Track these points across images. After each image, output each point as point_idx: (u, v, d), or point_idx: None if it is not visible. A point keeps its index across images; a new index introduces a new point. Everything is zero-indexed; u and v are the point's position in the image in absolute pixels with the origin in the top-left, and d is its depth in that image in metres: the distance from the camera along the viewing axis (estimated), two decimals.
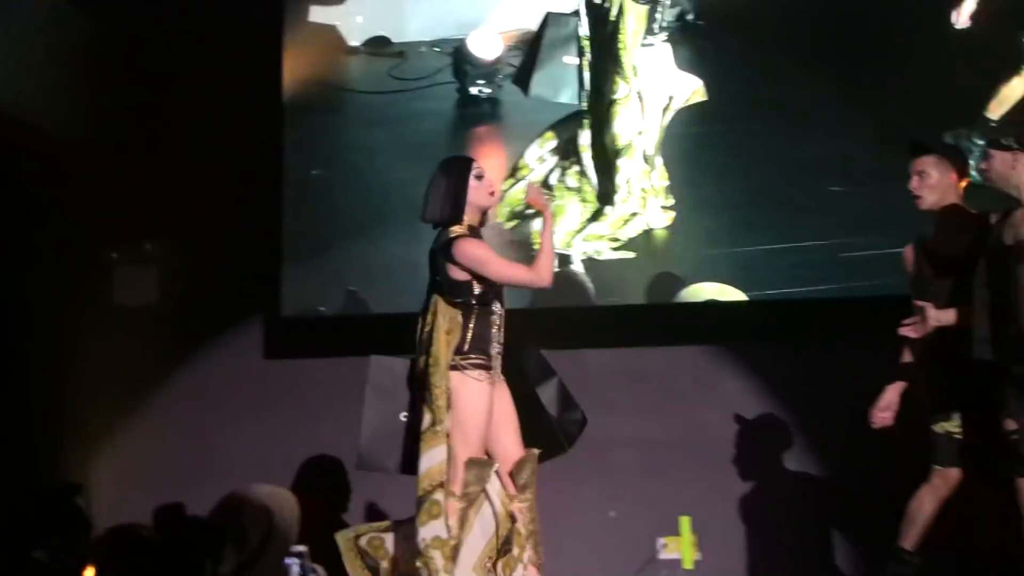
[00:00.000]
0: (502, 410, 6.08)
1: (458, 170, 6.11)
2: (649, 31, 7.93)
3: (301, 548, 6.61)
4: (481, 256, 5.94)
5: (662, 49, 7.97)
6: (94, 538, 5.94)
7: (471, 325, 5.95)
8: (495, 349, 6.02)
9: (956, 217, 6.14)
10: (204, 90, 8.25)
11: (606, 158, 7.96)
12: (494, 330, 6.01)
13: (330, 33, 8.37)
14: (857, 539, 7.56)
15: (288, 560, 5.78)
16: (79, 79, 8.04)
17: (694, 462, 7.80)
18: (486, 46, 8.22)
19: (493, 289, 6.00)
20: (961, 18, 7.69)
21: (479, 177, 6.09)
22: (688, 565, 7.58)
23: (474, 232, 6.06)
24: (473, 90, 8.23)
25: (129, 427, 8.18)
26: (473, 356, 5.95)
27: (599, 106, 7.96)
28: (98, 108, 8.18)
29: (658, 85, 7.94)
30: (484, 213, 6.13)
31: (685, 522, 7.57)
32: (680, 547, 7.58)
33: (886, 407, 6.31)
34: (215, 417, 8.16)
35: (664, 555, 7.58)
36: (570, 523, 7.54)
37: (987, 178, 5.95)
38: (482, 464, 5.96)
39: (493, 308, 6.02)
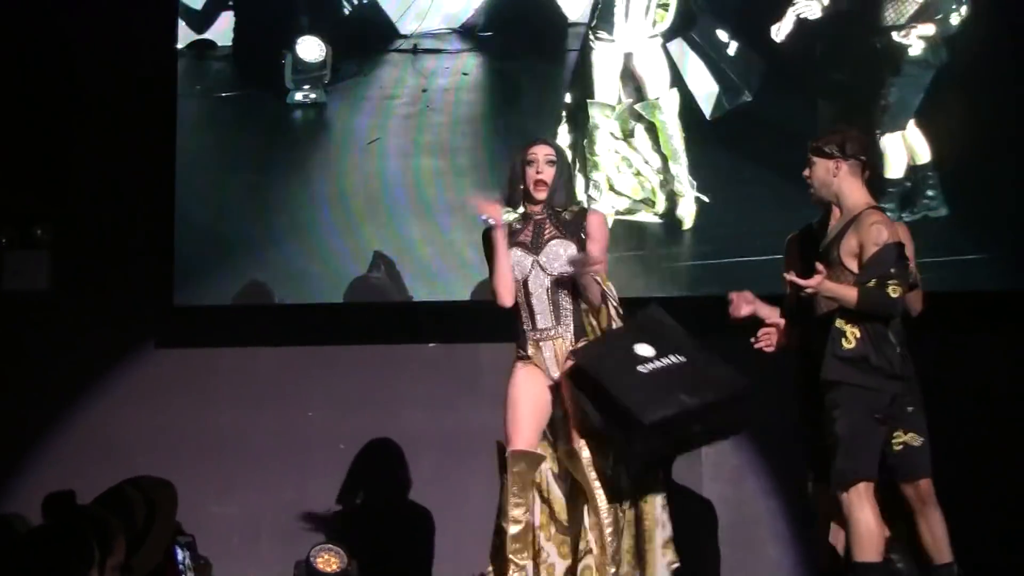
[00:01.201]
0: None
1: (518, 153, 6.23)
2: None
3: (188, 537, 6.59)
4: None
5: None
6: None
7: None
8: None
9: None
10: (94, 71, 8.18)
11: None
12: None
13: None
14: None
15: (176, 548, 5.76)
16: None
17: None
18: (313, 51, 8.19)
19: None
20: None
21: (530, 163, 6.20)
22: None
23: None
24: (299, 95, 8.20)
25: (17, 415, 8.05)
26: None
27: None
28: None
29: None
30: None
31: None
32: None
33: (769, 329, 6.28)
34: (105, 406, 8.06)
35: None
36: (463, 519, 7.54)
37: (809, 185, 6.03)
38: (528, 457, 6.00)
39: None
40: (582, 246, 6.06)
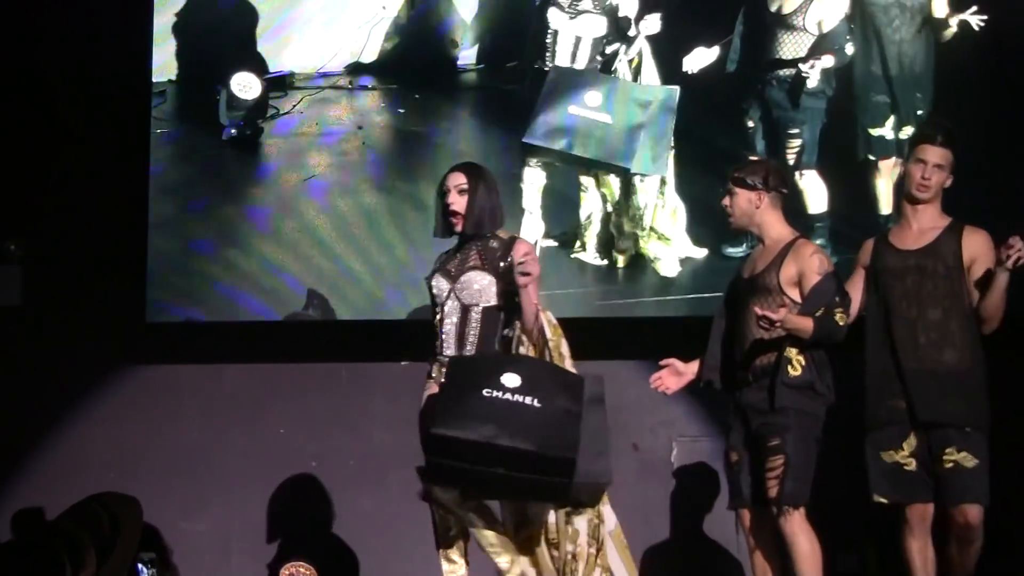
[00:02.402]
0: None
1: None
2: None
3: (151, 554, 6.59)
4: None
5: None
6: None
7: None
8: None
9: (933, 218, 6.17)
10: (68, 87, 8.18)
11: None
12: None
13: None
14: None
15: (139, 565, 5.76)
16: None
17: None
18: (247, 87, 8.20)
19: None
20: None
21: (443, 194, 6.13)
22: None
23: None
24: (232, 131, 8.22)
25: None
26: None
27: None
28: None
29: None
30: None
31: None
32: None
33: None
34: (77, 421, 8.05)
35: None
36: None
37: (730, 214, 6.10)
38: None
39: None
40: (500, 276, 5.95)
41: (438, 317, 6.03)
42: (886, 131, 7.85)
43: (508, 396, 5.42)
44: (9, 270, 8.18)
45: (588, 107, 7.87)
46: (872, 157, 7.86)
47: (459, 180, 6.07)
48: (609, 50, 8.02)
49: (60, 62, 8.21)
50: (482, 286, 5.97)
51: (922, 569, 6.06)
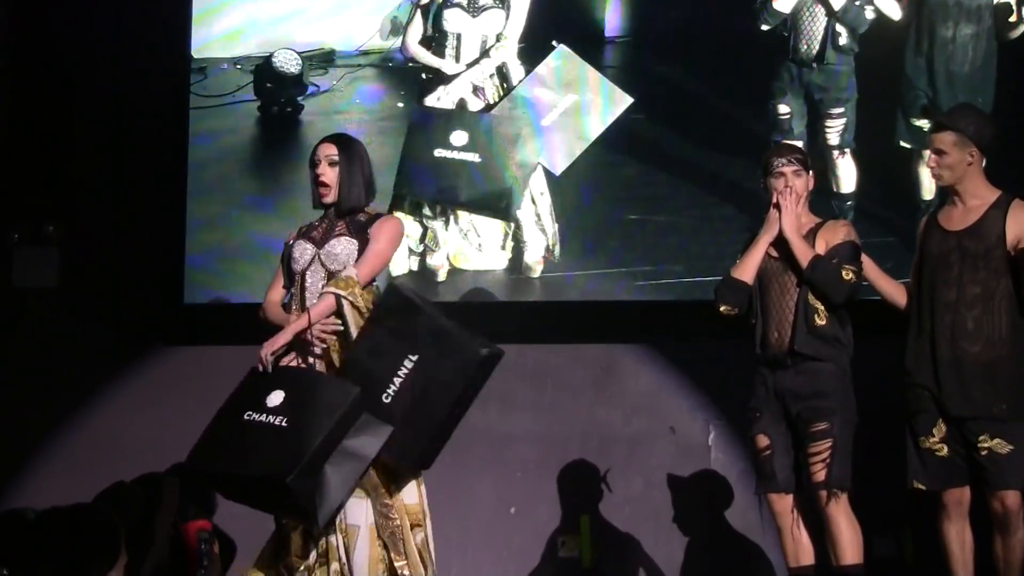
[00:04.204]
0: None
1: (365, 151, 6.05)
2: None
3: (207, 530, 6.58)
4: None
5: None
6: None
7: None
8: None
9: (975, 196, 6.06)
10: (106, 69, 8.21)
11: None
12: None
13: None
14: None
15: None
16: None
17: (594, 461, 7.80)
18: (288, 63, 8.17)
19: None
20: None
21: (313, 166, 6.01)
22: (586, 564, 7.61)
23: None
24: (273, 108, 8.22)
25: (25, 411, 8.05)
26: None
27: None
28: None
29: None
30: None
31: (584, 521, 7.60)
32: (579, 545, 7.61)
33: None
34: (113, 403, 8.08)
35: (563, 553, 7.59)
36: (468, 520, 7.55)
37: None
38: None
39: None
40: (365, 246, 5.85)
41: (297, 287, 5.87)
42: (924, 124, 7.79)
43: (264, 418, 5.43)
44: (46, 252, 8.22)
45: (454, 147, 7.80)
46: (907, 146, 7.81)
47: (330, 151, 5.96)
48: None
49: (98, 43, 8.23)
50: (349, 252, 5.86)
51: (959, 554, 6.02)
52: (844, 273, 5.94)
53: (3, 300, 8.24)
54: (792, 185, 6.10)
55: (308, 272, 5.87)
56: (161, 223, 8.08)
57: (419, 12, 8.01)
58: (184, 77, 8.19)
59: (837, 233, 6.08)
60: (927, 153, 6.16)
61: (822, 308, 5.97)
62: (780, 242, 6.10)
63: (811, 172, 6.19)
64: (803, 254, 5.99)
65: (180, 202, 8.05)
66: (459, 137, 7.76)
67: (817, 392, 5.94)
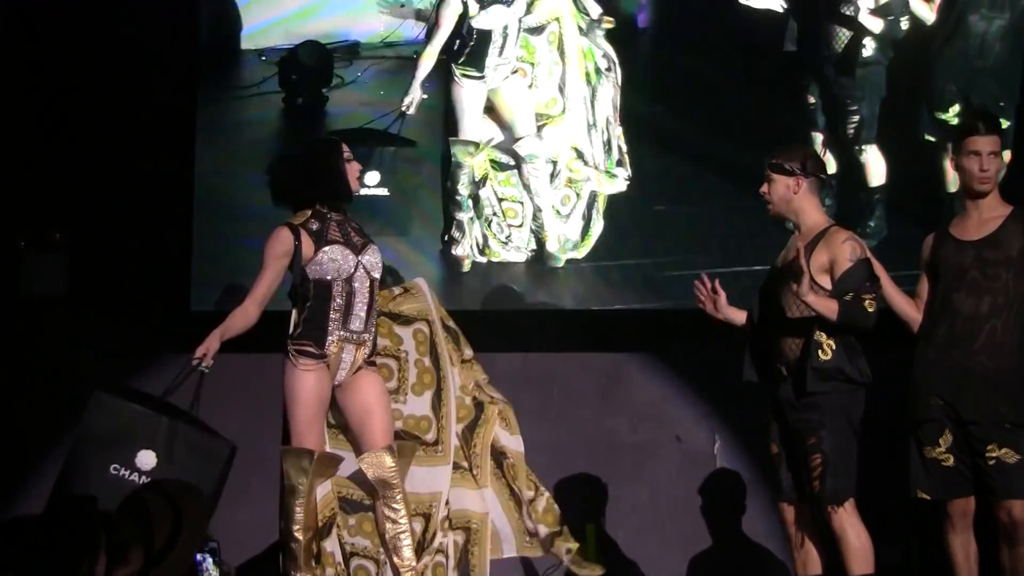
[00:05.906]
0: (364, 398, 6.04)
1: (332, 151, 6.07)
2: None
3: (214, 543, 6.59)
4: None
5: None
6: None
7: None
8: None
9: (993, 208, 6.07)
10: (113, 74, 8.21)
11: None
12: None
13: None
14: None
15: (199, 556, 5.73)
16: None
17: (600, 469, 7.81)
18: (314, 57, 8.16)
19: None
20: None
21: (349, 160, 6.07)
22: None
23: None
24: (298, 100, 8.22)
25: (33, 417, 8.06)
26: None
27: None
28: (5, 92, 8.08)
29: None
30: None
31: (590, 530, 7.60)
32: (585, 554, 7.60)
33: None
34: None
35: (569, 562, 7.57)
36: None
37: (768, 202, 6.04)
38: (299, 454, 5.90)
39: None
40: None
41: (342, 292, 5.96)
42: (950, 117, 7.80)
43: (136, 478, 5.66)
44: (54, 258, 8.23)
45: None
46: (931, 139, 7.80)
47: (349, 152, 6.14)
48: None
49: (103, 48, 8.23)
50: (379, 258, 6.05)
51: (964, 564, 6.04)
52: (867, 305, 5.81)
53: (10, 307, 8.24)
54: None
55: (355, 279, 5.98)
56: (169, 228, 8.08)
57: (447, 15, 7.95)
58: (192, 76, 8.20)
59: (839, 250, 5.90)
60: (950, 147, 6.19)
61: (826, 341, 5.87)
62: (784, 259, 6.10)
63: (800, 174, 6.02)
64: (829, 311, 5.81)
65: (188, 208, 8.06)
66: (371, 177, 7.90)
67: (807, 404, 5.91)
